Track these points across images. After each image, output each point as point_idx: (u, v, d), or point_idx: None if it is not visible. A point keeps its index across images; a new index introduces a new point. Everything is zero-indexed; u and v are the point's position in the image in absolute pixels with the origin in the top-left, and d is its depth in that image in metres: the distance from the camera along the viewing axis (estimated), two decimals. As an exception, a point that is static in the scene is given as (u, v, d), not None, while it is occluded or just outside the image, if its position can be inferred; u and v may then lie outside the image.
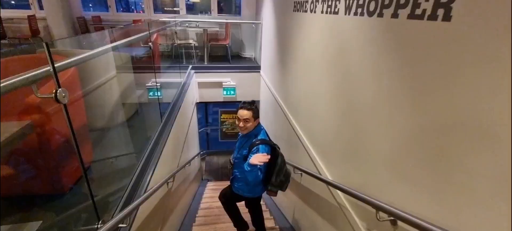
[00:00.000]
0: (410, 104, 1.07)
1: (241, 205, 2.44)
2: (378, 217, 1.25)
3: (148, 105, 2.89)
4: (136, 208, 1.55)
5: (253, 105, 1.93)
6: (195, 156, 4.72)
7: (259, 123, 2.01)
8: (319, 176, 2.00)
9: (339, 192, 1.79)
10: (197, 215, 3.74)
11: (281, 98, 3.45)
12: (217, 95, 5.25)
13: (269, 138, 2.06)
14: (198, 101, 5.25)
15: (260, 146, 1.84)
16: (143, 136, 2.32)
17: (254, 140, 1.91)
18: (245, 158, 1.89)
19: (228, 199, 2.36)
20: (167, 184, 2.45)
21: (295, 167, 2.64)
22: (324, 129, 2.01)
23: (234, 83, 5.15)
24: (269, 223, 3.32)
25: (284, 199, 3.43)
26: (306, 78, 2.43)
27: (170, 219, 2.71)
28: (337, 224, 1.88)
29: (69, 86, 1.41)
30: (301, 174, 2.62)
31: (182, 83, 3.85)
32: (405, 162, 1.12)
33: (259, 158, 1.73)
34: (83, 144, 1.75)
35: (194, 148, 5.02)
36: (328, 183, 1.84)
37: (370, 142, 1.39)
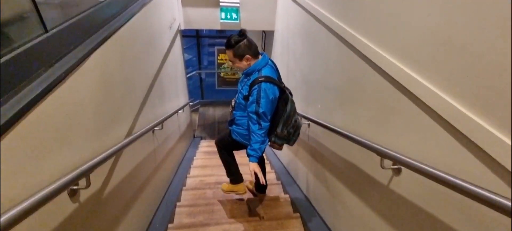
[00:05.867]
0: None
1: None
2: None
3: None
4: None
5: (231, 42, 1.53)
6: (179, 109, 3.21)
7: (263, 56, 1.63)
8: None
9: None
10: (178, 203, 2.39)
11: (337, 15, 1.77)
12: (212, 20, 3.51)
13: (279, 77, 1.71)
14: (183, 28, 3.52)
15: (263, 83, 1.51)
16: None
17: (257, 76, 1.55)
18: (246, 98, 1.61)
19: (225, 146, 2.02)
20: (76, 192, 0.97)
21: (382, 154, 1.15)
22: None
23: (237, 1, 3.37)
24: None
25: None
26: None
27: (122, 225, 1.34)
28: None
29: None
30: (400, 170, 1.14)
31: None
32: None
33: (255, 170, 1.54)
34: None
35: (178, 96, 3.48)
36: None
37: None
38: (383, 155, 1.14)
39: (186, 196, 2.56)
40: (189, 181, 2.91)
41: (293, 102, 1.67)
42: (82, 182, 0.95)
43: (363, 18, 1.40)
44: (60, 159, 0.89)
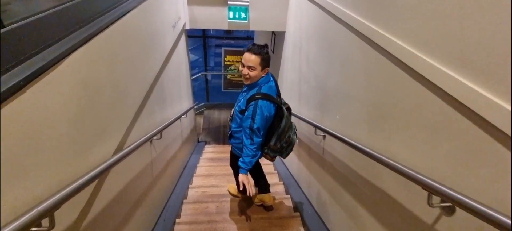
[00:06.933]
0: None
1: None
2: None
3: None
4: None
5: (264, 50, 1.60)
6: (181, 115, 3.01)
7: (267, 74, 1.68)
8: None
9: None
10: (178, 219, 2.17)
11: (362, 13, 1.53)
12: (219, 20, 3.30)
13: (278, 93, 1.76)
14: (188, 27, 3.32)
15: (260, 100, 1.58)
16: None
17: (255, 93, 1.60)
18: (242, 111, 1.67)
19: (234, 165, 2.06)
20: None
21: (430, 189, 0.90)
22: None
23: (247, 0, 3.15)
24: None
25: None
26: None
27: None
28: None
29: None
30: (453, 209, 0.89)
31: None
32: None
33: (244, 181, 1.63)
34: None
35: (181, 101, 3.28)
36: None
37: None
38: (431, 190, 0.89)
39: (186, 210, 2.34)
40: (191, 192, 2.70)
41: (288, 119, 1.73)
42: (45, 222, 0.74)
43: (400, 16, 1.15)
44: (14, 195, 0.68)
